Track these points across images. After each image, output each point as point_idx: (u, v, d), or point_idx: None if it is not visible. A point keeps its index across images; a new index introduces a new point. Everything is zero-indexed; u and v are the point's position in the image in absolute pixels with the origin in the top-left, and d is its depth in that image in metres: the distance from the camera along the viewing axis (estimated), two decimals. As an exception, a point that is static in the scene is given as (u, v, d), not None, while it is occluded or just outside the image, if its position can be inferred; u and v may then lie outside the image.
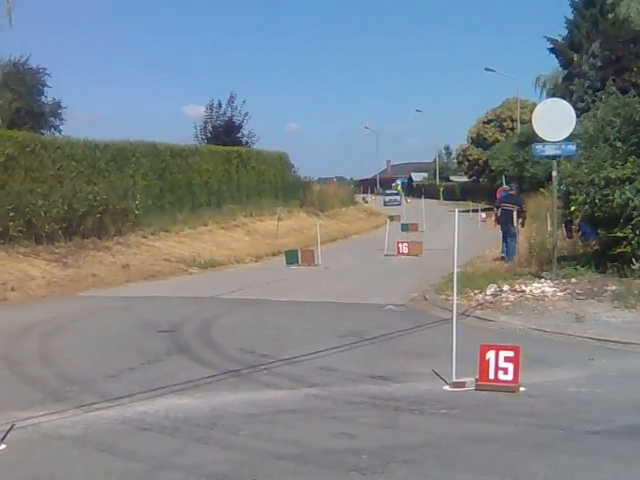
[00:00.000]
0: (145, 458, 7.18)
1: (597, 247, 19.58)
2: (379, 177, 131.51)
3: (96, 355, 12.34)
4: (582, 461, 6.86)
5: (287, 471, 6.76)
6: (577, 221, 21.24)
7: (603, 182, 17.48)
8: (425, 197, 71.65)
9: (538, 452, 7.08)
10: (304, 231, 39.74)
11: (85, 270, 23.19)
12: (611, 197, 17.13)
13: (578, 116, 19.98)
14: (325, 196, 54.56)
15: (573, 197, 18.50)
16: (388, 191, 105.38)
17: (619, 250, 17.18)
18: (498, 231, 41.67)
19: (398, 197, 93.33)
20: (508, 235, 24.09)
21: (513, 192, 25.63)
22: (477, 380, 9.37)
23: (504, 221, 24.26)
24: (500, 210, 24.80)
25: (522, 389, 9.22)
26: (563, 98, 23.57)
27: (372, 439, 7.62)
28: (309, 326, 15.04)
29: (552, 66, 57.99)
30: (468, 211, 55.06)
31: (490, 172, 64.85)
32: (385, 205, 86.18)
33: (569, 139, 17.61)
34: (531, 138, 27.02)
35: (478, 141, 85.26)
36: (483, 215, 53.11)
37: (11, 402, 9.19)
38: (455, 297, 10.35)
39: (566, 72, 52.21)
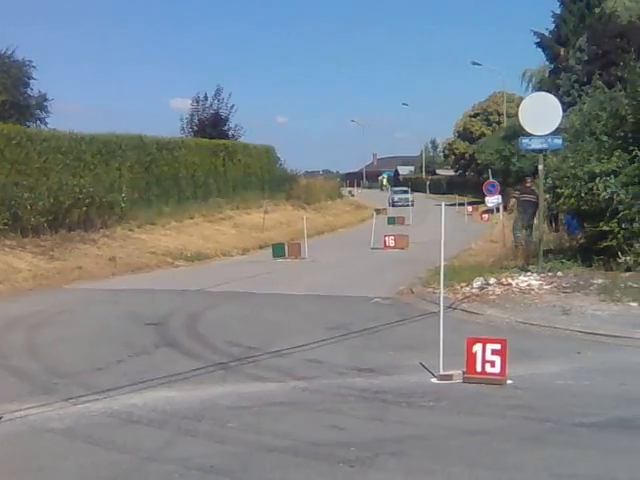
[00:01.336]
0: (133, 451, 7.17)
1: (583, 241, 19.67)
2: (365, 171, 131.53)
3: (83, 348, 12.31)
4: (571, 453, 6.88)
5: (276, 463, 6.76)
6: (563, 215, 21.30)
7: (587, 176, 17.55)
8: (412, 191, 71.63)
9: (527, 445, 7.10)
10: (291, 224, 39.78)
11: (71, 263, 23.13)
12: (596, 191, 17.20)
13: (564, 110, 20.04)
14: (312, 189, 54.62)
15: (559, 191, 18.55)
16: (396, 188, 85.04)
17: (605, 244, 17.27)
18: (482, 224, 42.01)
19: (409, 195, 73.83)
20: (529, 224, 23.87)
21: (529, 184, 25.51)
22: (464, 373, 9.39)
23: (533, 212, 23.97)
24: (523, 202, 24.45)
25: (509, 382, 9.25)
26: (549, 92, 23.60)
27: (361, 431, 7.63)
28: (296, 319, 15.05)
29: (539, 60, 58.16)
30: (455, 204, 55.28)
31: (476, 166, 65.06)
32: (393, 206, 67.86)
33: (555, 133, 17.66)
34: (517, 132, 27.03)
35: (464, 135, 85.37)
36: (469, 209, 53.31)
37: (-2, 395, 9.17)
38: (442, 290, 10.36)
39: (553, 66, 52.32)
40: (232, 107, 49.73)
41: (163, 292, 19.19)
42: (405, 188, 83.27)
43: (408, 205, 65.04)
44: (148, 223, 30.73)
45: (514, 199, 25.61)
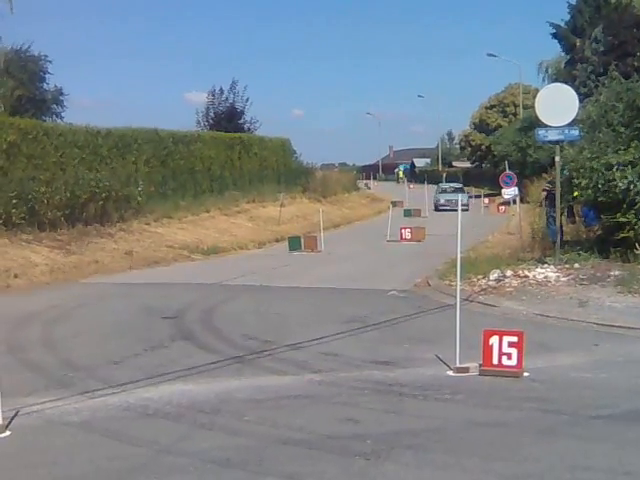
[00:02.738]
0: (149, 444, 7.19)
1: (600, 232, 19.57)
2: (382, 163, 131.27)
3: (100, 341, 12.35)
4: (587, 446, 6.86)
5: (292, 456, 6.77)
6: (579, 206, 21.16)
7: (604, 168, 17.47)
8: (428, 183, 70.46)
9: (543, 437, 7.08)
10: (307, 217, 39.74)
11: (88, 257, 23.19)
12: (614, 182, 17.11)
13: (581, 101, 19.91)
14: (328, 182, 54.47)
15: (576, 182, 18.46)
16: (444, 184, 61.82)
17: (622, 235, 17.19)
18: (499, 216, 41.83)
19: (463, 196, 43.66)
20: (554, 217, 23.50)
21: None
22: (481, 365, 9.38)
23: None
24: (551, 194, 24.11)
25: (526, 374, 9.24)
26: (566, 83, 23.45)
27: (376, 424, 7.63)
28: (312, 312, 15.05)
29: (555, 51, 57.66)
30: (471, 196, 55.06)
31: (493, 157, 64.73)
32: (438, 210, 51.33)
33: (572, 124, 17.59)
34: (534, 123, 26.90)
35: (481, 126, 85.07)
36: (486, 201, 53.07)
37: (15, 389, 9.17)
38: (458, 282, 10.33)
39: (569, 57, 52.00)
40: (247, 100, 49.80)
41: (179, 286, 19.22)
42: (457, 184, 61.96)
43: (463, 209, 41.11)
44: (164, 217, 30.75)
45: (545, 192, 25.09)
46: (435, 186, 62.19)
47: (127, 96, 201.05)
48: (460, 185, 60.82)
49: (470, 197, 53.58)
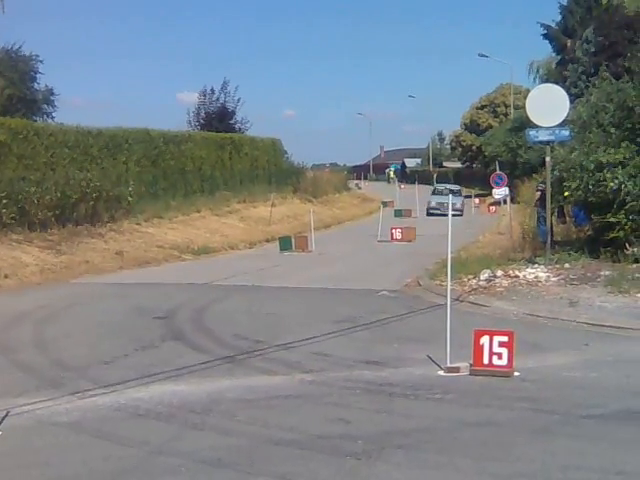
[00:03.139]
0: (141, 444, 7.17)
1: (590, 232, 19.62)
2: (372, 163, 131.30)
3: (90, 342, 12.30)
4: (579, 446, 6.88)
5: (283, 456, 6.77)
6: (569, 206, 21.19)
7: (593, 165, 17.51)
8: (419, 183, 70.29)
9: (535, 437, 7.10)
10: (298, 217, 39.69)
11: (78, 257, 23.12)
12: (604, 182, 17.16)
13: (572, 102, 19.98)
14: (319, 182, 54.43)
15: (566, 183, 18.50)
16: (439, 185, 58.26)
17: (612, 235, 17.26)
18: (490, 216, 41.88)
19: (459, 199, 46.87)
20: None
21: None
22: (471, 365, 9.40)
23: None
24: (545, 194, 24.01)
25: (516, 374, 9.26)
26: (556, 84, 23.53)
27: (367, 424, 7.63)
28: (303, 312, 15.05)
29: (546, 52, 57.78)
30: (462, 197, 55.04)
31: (483, 158, 64.86)
32: (430, 214, 46.78)
33: (562, 124, 17.63)
34: (525, 124, 26.98)
35: (471, 127, 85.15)
36: (476, 201, 53.11)
37: (6, 389, 9.17)
38: (449, 282, 10.35)
39: (560, 58, 52.10)
40: (239, 100, 49.68)
41: (170, 286, 19.17)
42: (454, 186, 57.58)
43: (459, 214, 41.59)
44: (155, 217, 30.66)
45: (539, 192, 25.02)
46: (427, 186, 62.23)
47: (122, 96, 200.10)
48: (458, 187, 56.78)
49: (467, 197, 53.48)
